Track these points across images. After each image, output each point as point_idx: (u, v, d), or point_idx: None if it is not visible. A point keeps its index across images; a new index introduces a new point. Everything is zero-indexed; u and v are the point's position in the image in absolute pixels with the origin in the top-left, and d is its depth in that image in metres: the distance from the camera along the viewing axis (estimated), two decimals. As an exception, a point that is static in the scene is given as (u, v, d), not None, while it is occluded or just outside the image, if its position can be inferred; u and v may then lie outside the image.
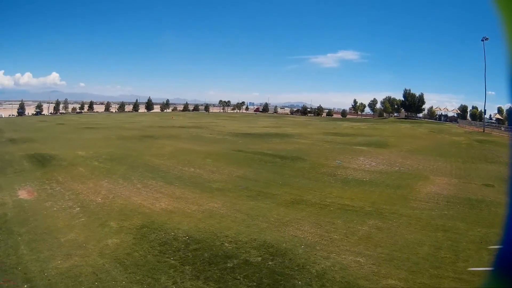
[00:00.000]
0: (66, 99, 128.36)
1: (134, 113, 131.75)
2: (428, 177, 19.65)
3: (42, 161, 23.87)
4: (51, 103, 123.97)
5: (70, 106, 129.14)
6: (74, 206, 14.13)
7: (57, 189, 16.83)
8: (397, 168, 22.26)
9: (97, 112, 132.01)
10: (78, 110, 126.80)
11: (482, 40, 58.25)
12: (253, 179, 18.39)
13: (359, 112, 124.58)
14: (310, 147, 31.22)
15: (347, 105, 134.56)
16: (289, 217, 12.32)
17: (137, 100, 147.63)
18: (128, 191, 16.18)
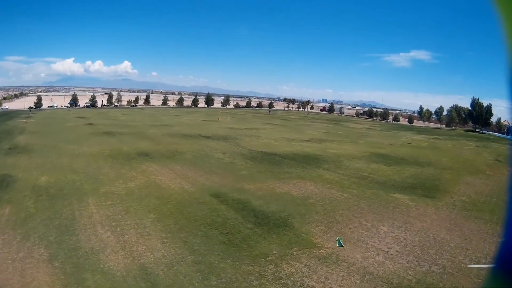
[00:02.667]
0: (119, 93, 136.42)
1: (191, 108, 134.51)
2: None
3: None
4: (104, 93, 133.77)
5: (125, 99, 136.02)
6: None
7: None
8: (427, 266, 14.48)
9: (153, 106, 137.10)
10: (132, 104, 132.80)
11: None
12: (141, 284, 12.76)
13: (425, 120, 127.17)
14: (325, 194, 24.15)
15: (417, 106, 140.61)
16: None
17: (196, 95, 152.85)
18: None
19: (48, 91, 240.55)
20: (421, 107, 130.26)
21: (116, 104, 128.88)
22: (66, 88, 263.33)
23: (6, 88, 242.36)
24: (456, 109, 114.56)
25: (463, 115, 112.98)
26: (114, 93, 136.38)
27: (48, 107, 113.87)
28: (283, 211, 20.16)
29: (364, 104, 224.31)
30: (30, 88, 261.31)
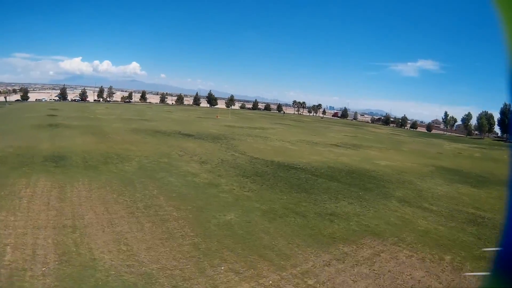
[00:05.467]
0: (111, 87, 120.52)
1: (191, 107, 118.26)
2: None
3: None
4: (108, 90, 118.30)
5: (120, 94, 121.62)
6: None
7: None
8: None
9: (149, 102, 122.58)
10: (126, 100, 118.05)
11: None
12: None
13: (449, 127, 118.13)
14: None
15: (424, 116, 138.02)
16: None
17: (197, 93, 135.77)
18: None
19: (54, 89, 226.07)
20: (445, 114, 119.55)
21: (108, 99, 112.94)
22: (73, 87, 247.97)
23: (13, 84, 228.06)
24: (486, 116, 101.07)
25: (490, 124, 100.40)
26: (105, 88, 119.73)
27: (36, 99, 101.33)
28: None
29: (372, 112, 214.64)
30: (37, 85, 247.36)
